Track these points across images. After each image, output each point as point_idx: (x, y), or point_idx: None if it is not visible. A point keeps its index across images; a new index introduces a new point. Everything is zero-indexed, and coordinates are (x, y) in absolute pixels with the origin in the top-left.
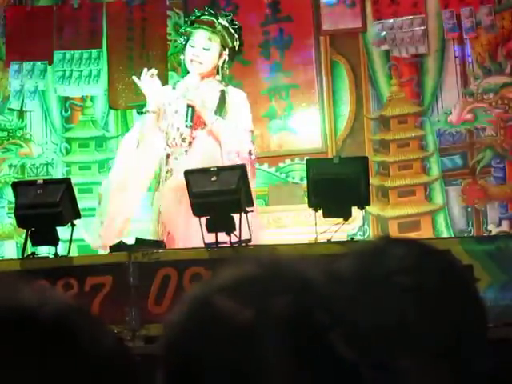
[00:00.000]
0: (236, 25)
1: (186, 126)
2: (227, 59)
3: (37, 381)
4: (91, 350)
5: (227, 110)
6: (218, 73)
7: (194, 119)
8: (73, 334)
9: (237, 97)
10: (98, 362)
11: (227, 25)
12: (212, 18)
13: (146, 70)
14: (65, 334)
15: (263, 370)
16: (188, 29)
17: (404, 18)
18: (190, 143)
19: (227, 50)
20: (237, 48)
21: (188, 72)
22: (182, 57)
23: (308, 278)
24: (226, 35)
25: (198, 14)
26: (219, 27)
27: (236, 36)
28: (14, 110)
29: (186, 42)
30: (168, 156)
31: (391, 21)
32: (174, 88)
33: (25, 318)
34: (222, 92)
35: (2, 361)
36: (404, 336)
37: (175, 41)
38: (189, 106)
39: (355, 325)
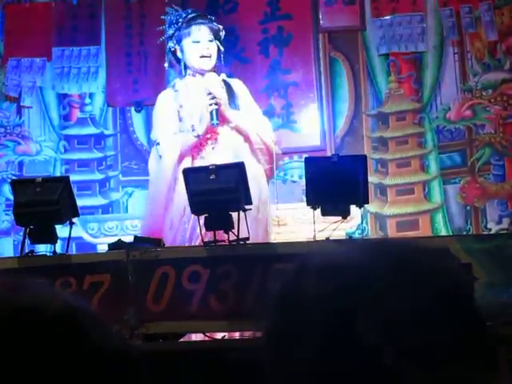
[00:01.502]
0: (212, 18)
1: (213, 125)
2: (222, 49)
3: (44, 379)
4: (97, 349)
5: (238, 100)
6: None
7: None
8: (79, 334)
9: (238, 85)
10: (104, 361)
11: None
12: (202, 12)
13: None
14: (71, 333)
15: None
16: (183, 30)
17: (403, 14)
18: (216, 139)
19: (216, 41)
20: (222, 38)
21: (186, 71)
22: (166, 64)
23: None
24: (214, 27)
25: (184, 15)
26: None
27: (220, 27)
28: (11, 98)
29: (179, 43)
30: (193, 157)
31: (390, 18)
32: (175, 91)
33: (31, 317)
34: (225, 82)
35: (9, 359)
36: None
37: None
38: (216, 104)
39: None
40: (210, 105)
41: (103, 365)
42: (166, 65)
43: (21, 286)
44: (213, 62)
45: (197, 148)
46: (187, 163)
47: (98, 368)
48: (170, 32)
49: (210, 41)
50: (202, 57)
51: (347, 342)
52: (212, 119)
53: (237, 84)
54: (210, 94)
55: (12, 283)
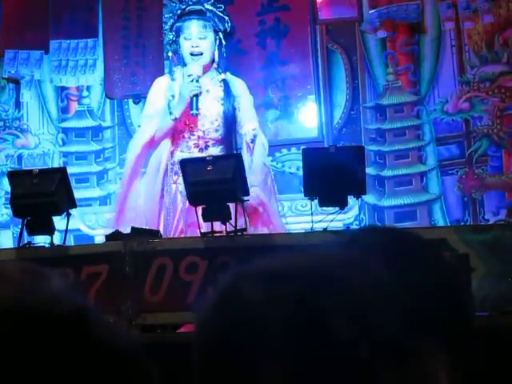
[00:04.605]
0: (221, 7)
1: (193, 115)
2: (223, 42)
3: (52, 378)
4: (106, 349)
5: (236, 103)
6: (214, 61)
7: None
8: (87, 333)
9: (239, 87)
10: (113, 362)
11: (214, 9)
12: (199, 7)
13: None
14: (79, 332)
15: (266, 351)
16: (177, 24)
17: (400, 4)
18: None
19: (220, 34)
20: (228, 29)
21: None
22: (170, 53)
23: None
24: (216, 19)
25: (183, 7)
26: (208, 13)
27: (226, 18)
28: (11, 74)
29: (177, 36)
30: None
31: (386, 7)
32: (172, 79)
33: (39, 317)
34: (224, 81)
35: (14, 358)
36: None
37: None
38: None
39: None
40: (193, 90)
41: (112, 364)
42: (170, 54)
43: (28, 286)
44: (205, 59)
45: None
46: (165, 147)
47: (106, 368)
48: (169, 24)
49: (202, 38)
50: (192, 54)
51: (320, 340)
52: (192, 108)
53: (238, 86)
54: (196, 80)
55: (19, 281)
